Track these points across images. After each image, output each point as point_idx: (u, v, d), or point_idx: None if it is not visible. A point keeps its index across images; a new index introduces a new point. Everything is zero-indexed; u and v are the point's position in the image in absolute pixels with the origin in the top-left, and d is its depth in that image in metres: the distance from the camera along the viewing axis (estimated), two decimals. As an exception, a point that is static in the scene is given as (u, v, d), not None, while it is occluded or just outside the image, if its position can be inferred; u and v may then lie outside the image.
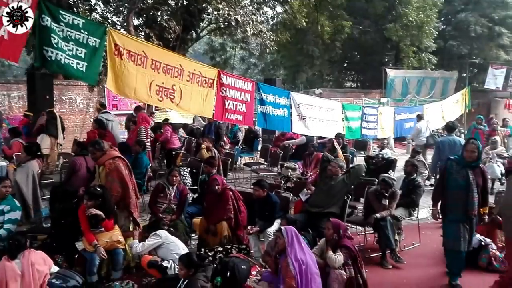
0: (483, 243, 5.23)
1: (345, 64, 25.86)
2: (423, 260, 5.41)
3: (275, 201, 5.09)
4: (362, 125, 10.36)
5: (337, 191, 5.31)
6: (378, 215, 5.22)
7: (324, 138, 9.66)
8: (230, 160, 8.18)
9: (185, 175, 6.83)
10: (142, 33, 13.21)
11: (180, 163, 8.23)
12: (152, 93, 5.76)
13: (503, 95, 20.87)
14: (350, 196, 5.65)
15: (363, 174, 6.47)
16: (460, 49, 19.68)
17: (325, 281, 4.05)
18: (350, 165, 6.64)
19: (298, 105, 8.55)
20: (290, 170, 7.75)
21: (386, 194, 5.38)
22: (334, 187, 5.33)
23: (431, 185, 8.64)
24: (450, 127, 8.50)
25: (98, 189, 4.46)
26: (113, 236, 4.48)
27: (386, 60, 22.33)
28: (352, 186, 6.50)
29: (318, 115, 9.14)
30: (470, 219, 4.47)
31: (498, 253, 5.17)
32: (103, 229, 4.45)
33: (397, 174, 7.51)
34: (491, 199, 6.39)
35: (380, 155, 8.71)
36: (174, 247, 4.44)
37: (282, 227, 4.03)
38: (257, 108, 7.50)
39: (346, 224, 5.25)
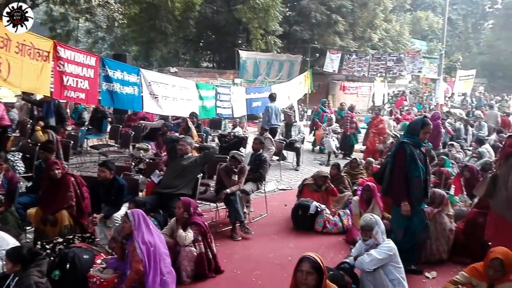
0: (319, 209, 5.83)
1: (201, 44, 25.88)
2: (270, 228, 5.82)
3: (122, 184, 4.82)
4: (216, 104, 10.56)
5: (189, 171, 5.30)
6: (228, 190, 5.40)
7: (179, 118, 9.55)
8: (73, 142, 7.45)
9: (16, 161, 5.99)
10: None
11: (12, 148, 7.19)
12: (-28, 67, 4.87)
13: (339, 77, 23.62)
14: (202, 174, 5.71)
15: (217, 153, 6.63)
16: (303, 34, 21.32)
17: (175, 260, 4.05)
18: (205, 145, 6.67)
19: (149, 83, 8.24)
20: (142, 151, 7.47)
21: (235, 170, 5.58)
22: (186, 167, 5.30)
23: (278, 160, 9.31)
24: (273, 97, 10.40)
25: None
26: None
27: (239, 42, 23.01)
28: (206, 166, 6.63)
29: (171, 94, 8.97)
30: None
31: (331, 217, 5.85)
32: None
33: (248, 151, 7.87)
34: (327, 170, 7.23)
35: (232, 133, 9.00)
36: (2, 242, 3.85)
37: (128, 211, 3.84)
38: (102, 86, 6.97)
39: (199, 201, 5.36)
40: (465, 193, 5.89)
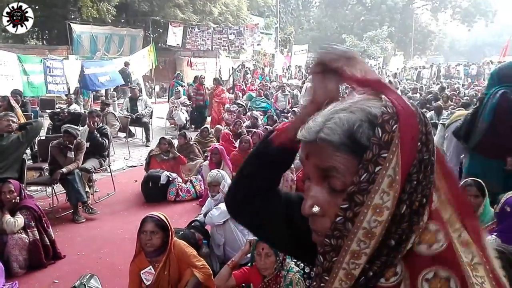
0: (170, 178, 5.70)
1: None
2: (118, 206, 5.45)
3: None
4: (47, 79, 9.35)
5: (12, 152, 4.52)
6: (64, 169, 4.83)
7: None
8: None
9: None
10: None
11: None
12: None
13: (186, 54, 23.29)
14: (31, 157, 4.98)
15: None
16: (141, 5, 20.20)
17: (3, 251, 3.47)
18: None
19: (-49, 57, 6.81)
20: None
21: (70, 146, 5.00)
22: (7, 148, 4.51)
23: (125, 137, 8.78)
24: None
25: None
26: None
27: (72, 16, 20.69)
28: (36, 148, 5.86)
29: (-16, 70, 7.60)
30: None
31: (183, 184, 5.79)
32: None
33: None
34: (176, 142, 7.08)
35: (67, 110, 8.04)
36: None
37: None
38: None
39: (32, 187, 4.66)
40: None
